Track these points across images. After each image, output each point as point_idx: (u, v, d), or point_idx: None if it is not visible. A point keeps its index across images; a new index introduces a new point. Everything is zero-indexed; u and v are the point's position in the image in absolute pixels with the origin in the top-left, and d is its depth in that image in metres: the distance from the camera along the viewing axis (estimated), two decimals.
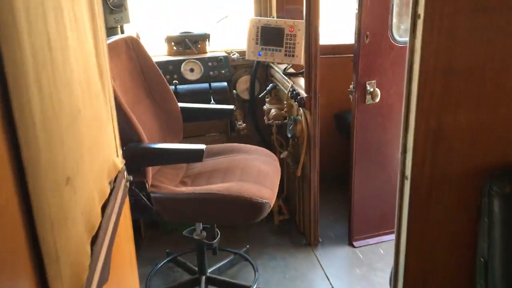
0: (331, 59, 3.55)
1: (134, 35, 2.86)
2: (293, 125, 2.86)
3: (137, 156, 2.05)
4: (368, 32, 2.59)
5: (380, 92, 2.69)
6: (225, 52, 3.45)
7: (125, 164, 1.78)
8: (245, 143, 3.51)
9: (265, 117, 3.20)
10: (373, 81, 2.69)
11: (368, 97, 2.70)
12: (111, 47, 2.21)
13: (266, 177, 2.29)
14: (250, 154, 2.53)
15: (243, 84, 3.48)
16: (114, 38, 2.31)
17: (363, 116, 2.76)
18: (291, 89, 2.89)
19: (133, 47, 2.40)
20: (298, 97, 2.76)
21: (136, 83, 2.39)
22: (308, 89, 2.72)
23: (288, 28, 3.09)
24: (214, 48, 3.49)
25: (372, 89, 2.68)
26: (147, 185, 2.12)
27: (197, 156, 2.01)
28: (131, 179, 1.49)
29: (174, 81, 3.08)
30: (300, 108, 2.83)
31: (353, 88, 2.72)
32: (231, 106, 2.65)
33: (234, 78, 3.45)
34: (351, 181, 2.90)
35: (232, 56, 3.37)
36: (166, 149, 2.04)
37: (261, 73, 3.49)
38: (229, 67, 3.33)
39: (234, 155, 2.53)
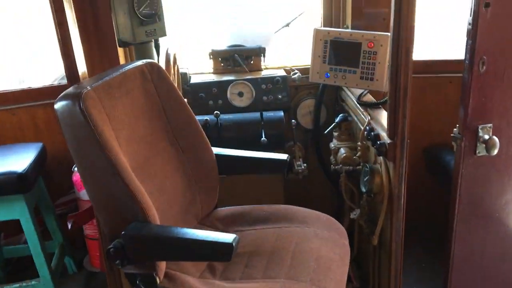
0: (423, 79, 2.74)
1: (172, 51, 2.25)
2: (369, 177, 2.11)
3: (138, 245, 1.43)
4: (485, 57, 1.77)
5: (499, 140, 1.86)
6: (284, 70, 2.75)
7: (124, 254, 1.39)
8: (305, 187, 2.85)
9: (331, 158, 2.47)
10: (489, 125, 1.87)
11: (481, 147, 1.89)
12: (118, 83, 1.60)
13: (327, 271, 1.58)
14: (307, 225, 1.83)
15: (305, 109, 2.77)
16: (125, 68, 1.70)
17: (471, 171, 1.95)
18: (368, 128, 2.14)
19: (152, 78, 1.77)
20: (378, 142, 2.00)
21: (154, 127, 1.76)
22: (392, 132, 1.95)
23: (367, 43, 2.32)
24: (270, 64, 2.81)
25: (487, 137, 1.86)
26: (157, 280, 1.49)
27: (223, 255, 1.34)
28: None
29: (215, 112, 2.43)
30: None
31: (459, 133, 1.91)
32: (285, 156, 1.96)
33: (294, 103, 2.75)
34: (451, 240, 2.09)
35: (293, 77, 2.66)
36: (177, 239, 1.39)
37: (329, 95, 2.76)
38: (288, 90, 2.63)
39: (285, 226, 1.84)
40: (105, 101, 1.51)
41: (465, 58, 1.82)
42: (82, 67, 2.20)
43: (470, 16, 1.72)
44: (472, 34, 1.72)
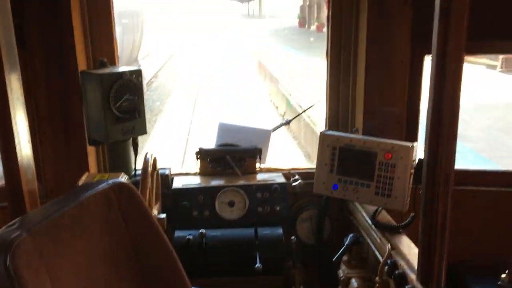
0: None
1: (151, 154, 1.85)
2: None
3: None
4: None
5: None
6: (283, 174, 2.36)
7: None
8: None
9: None
10: None
11: None
12: (70, 220, 1.18)
13: None
14: None
15: (306, 221, 2.36)
16: (85, 194, 1.28)
17: None
18: (388, 261, 1.72)
19: (120, 205, 1.36)
20: (406, 286, 1.57)
21: (118, 274, 1.32)
22: (425, 277, 1.53)
23: (383, 154, 1.96)
24: (267, 167, 2.43)
25: None
26: None
27: None
28: None
29: (200, 232, 2.00)
30: None
31: (509, 282, 1.51)
32: None
33: (293, 211, 2.34)
34: None
35: (293, 184, 2.27)
36: None
37: (334, 205, 2.36)
38: (287, 200, 2.23)
39: None
40: (48, 251, 1.09)
41: None
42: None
43: None
44: None
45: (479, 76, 12.74)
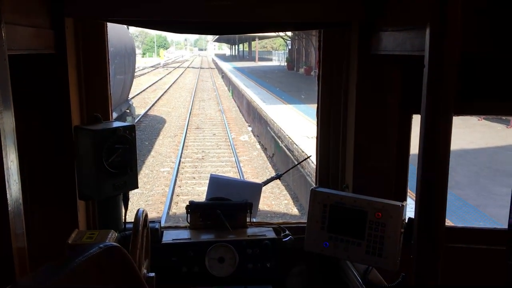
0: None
1: (143, 211, 1.84)
2: None
3: None
4: None
5: None
6: (273, 228, 2.36)
7: None
8: None
9: None
10: None
11: None
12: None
13: None
14: None
15: (297, 278, 2.33)
16: (75, 261, 1.26)
17: None
18: None
19: (111, 272, 1.34)
20: None
21: None
22: None
23: (374, 213, 1.98)
24: (258, 221, 2.43)
25: None
26: None
27: None
28: None
29: None
30: None
31: None
32: None
33: (283, 267, 2.31)
34: None
35: (284, 240, 2.26)
36: None
37: (325, 262, 2.34)
38: (278, 257, 2.21)
39: None
40: None
41: (507, 259, 1.48)
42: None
43: None
44: None
45: (462, 123, 13.02)
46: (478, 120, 14.33)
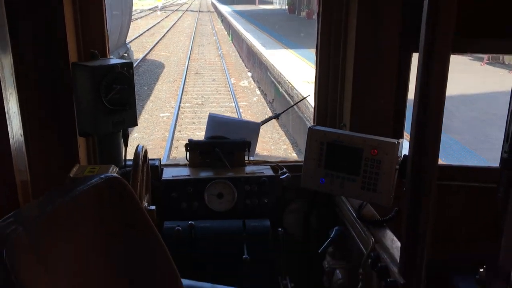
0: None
1: (142, 146, 1.88)
2: None
3: None
4: None
5: None
6: (271, 167, 2.40)
7: None
8: None
9: (324, 279, 2.08)
10: None
11: None
12: (63, 216, 1.21)
13: None
14: None
15: (293, 213, 2.41)
16: (77, 189, 1.31)
17: None
18: (372, 254, 1.78)
19: (111, 201, 1.38)
20: (388, 280, 1.63)
21: (111, 265, 1.35)
22: (408, 271, 1.59)
23: (370, 150, 2.01)
24: (256, 159, 2.48)
25: None
26: None
27: None
28: None
29: (189, 223, 2.04)
30: None
31: (486, 277, 1.58)
32: None
33: (280, 204, 2.38)
34: None
35: (281, 177, 2.32)
36: None
37: (321, 198, 2.41)
38: (275, 193, 2.27)
39: None
40: (43, 245, 1.12)
41: (497, 191, 1.52)
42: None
43: None
44: None
45: (465, 68, 12.89)
46: (481, 65, 14.17)
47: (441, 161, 2.39)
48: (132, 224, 1.43)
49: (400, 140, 2.00)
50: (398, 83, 2.27)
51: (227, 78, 14.48)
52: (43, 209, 1.18)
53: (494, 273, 1.53)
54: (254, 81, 14.54)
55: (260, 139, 2.54)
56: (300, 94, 9.18)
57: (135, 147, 1.90)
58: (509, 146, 1.40)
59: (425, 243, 1.55)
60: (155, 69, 16.32)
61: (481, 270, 1.59)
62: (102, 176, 1.41)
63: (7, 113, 1.37)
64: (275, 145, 8.56)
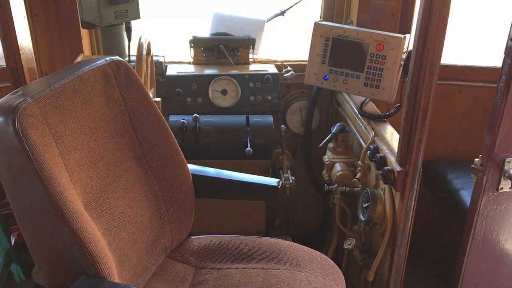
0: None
1: (145, 38, 1.87)
2: (370, 204, 1.82)
3: None
4: None
5: None
6: (275, 65, 2.40)
7: None
8: (294, 206, 2.54)
9: (324, 172, 2.16)
10: None
11: (505, 182, 1.62)
12: (71, 90, 1.24)
13: None
14: (298, 268, 1.52)
15: (296, 112, 2.45)
16: (83, 69, 1.32)
17: (491, 207, 1.68)
18: (371, 147, 1.83)
19: (117, 82, 1.40)
20: (385, 168, 1.70)
21: (118, 144, 1.41)
22: (404, 159, 1.65)
23: (375, 45, 1.99)
24: (260, 58, 2.46)
25: None
26: None
27: None
28: None
29: (194, 116, 2.08)
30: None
31: (481, 165, 1.63)
32: (275, 182, 1.64)
33: (283, 103, 2.41)
34: (458, 280, 1.84)
35: (285, 75, 2.32)
36: None
37: (323, 96, 2.44)
38: (279, 91, 2.29)
39: (272, 268, 1.53)
40: (52, 117, 1.15)
41: (500, 80, 1.52)
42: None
43: None
44: None
45: None
46: None
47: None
48: (138, 108, 1.46)
49: (407, 35, 1.97)
50: None
51: None
52: (50, 84, 1.20)
53: (488, 158, 1.59)
54: None
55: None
56: None
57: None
58: None
59: (424, 133, 1.58)
60: None
61: (476, 159, 1.64)
62: (107, 58, 1.43)
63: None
64: None
